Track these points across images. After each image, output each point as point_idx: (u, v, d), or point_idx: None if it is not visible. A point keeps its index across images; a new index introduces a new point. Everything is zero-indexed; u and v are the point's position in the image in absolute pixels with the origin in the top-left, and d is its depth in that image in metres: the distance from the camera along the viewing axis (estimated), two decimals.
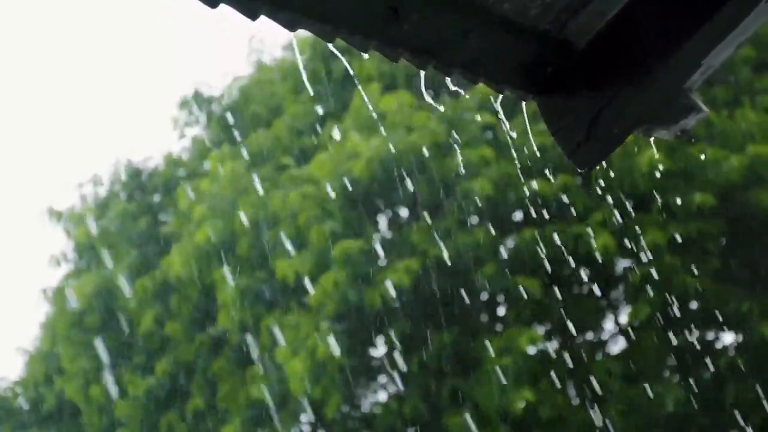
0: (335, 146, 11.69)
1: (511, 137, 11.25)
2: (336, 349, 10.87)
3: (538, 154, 10.69)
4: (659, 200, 10.96)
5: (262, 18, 1.65)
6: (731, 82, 11.76)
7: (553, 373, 10.95)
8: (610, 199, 11.00)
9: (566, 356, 11.23)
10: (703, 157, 11.01)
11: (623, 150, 9.75)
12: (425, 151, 11.01)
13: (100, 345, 13.73)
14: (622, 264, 11.79)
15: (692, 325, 11.55)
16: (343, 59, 12.08)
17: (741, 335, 11.58)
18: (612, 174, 10.82)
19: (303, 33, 1.73)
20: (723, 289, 10.93)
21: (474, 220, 11.45)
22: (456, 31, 1.88)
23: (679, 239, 10.74)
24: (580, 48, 2.14)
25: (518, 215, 11.62)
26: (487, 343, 10.89)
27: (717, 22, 2.05)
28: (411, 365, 11.27)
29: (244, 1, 1.61)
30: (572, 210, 10.91)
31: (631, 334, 11.70)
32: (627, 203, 11.14)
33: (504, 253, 11.45)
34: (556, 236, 10.82)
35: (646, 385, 11.02)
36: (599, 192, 11.09)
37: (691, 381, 11.40)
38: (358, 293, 10.86)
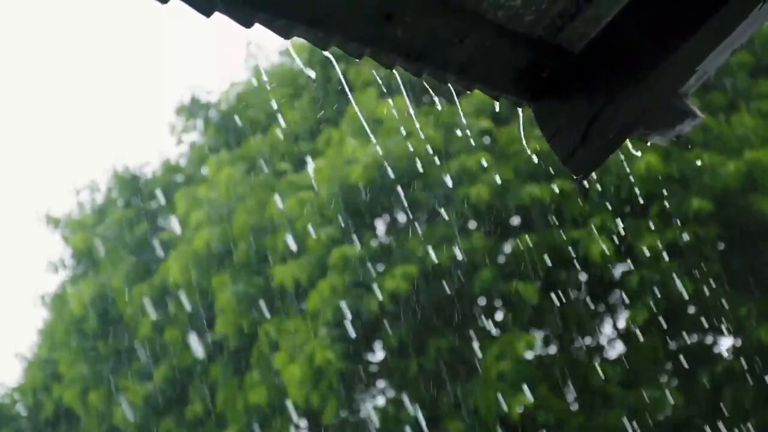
0: (332, 152, 11.69)
1: (507, 143, 11.26)
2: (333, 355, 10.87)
3: (535, 159, 10.71)
4: (657, 205, 10.97)
5: (257, 26, 1.65)
6: (728, 87, 11.77)
7: (551, 378, 10.96)
8: (607, 204, 11.00)
9: (564, 361, 11.24)
10: (700, 162, 11.02)
11: (620, 155, 9.77)
12: (422, 157, 11.02)
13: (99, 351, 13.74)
14: (620, 269, 11.79)
15: (690, 330, 11.56)
16: (337, 67, 12.09)
17: (739, 339, 11.58)
18: (609, 179, 10.83)
19: (300, 39, 1.73)
20: (721, 293, 10.93)
21: (472, 225, 11.45)
22: (450, 37, 1.88)
23: (676, 244, 10.75)
24: (575, 54, 2.14)
25: (516, 220, 11.63)
26: (485, 348, 10.90)
27: (712, 28, 2.05)
28: (409, 370, 11.27)
29: (239, 9, 1.61)
30: (569, 215, 10.92)
31: (629, 338, 11.71)
32: (624, 208, 11.15)
33: (502, 259, 11.46)
34: (553, 241, 10.83)
35: (644, 390, 11.02)
36: (596, 197, 11.10)
37: (689, 385, 11.41)
38: (356, 299, 10.86)
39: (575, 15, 2.07)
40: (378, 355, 12.21)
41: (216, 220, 12.34)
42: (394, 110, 11.48)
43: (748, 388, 10.97)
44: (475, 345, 11.07)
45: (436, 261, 10.77)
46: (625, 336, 11.85)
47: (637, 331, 11.39)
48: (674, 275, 10.75)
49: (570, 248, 10.83)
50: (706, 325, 11.48)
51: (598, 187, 10.94)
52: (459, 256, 10.77)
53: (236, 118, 14.03)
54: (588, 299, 11.91)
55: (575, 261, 11.00)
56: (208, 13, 1.58)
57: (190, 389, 12.99)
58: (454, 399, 11.09)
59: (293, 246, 11.36)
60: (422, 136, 11.21)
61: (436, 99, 10.86)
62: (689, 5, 2.07)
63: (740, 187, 10.98)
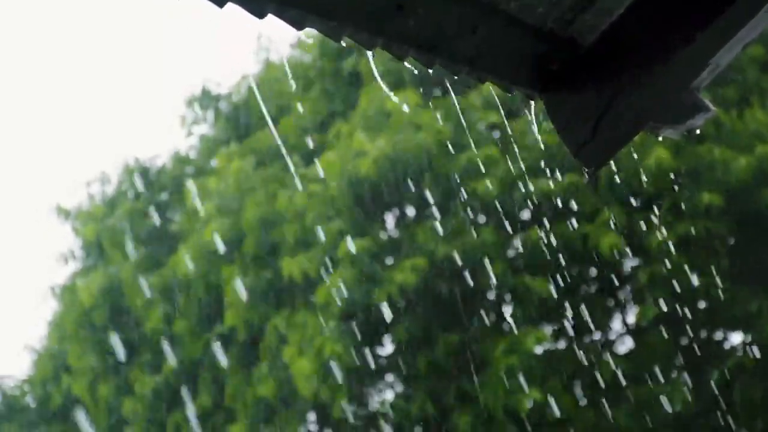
0: (342, 145, 11.69)
1: (517, 137, 11.25)
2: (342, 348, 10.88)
3: (545, 152, 10.70)
4: (667, 200, 10.95)
5: (270, 16, 1.66)
6: (739, 81, 11.73)
7: (560, 373, 10.95)
8: (617, 198, 10.99)
9: (573, 356, 11.22)
10: (711, 156, 10.99)
11: (630, 148, 9.75)
12: (432, 150, 11.02)
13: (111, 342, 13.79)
14: (630, 263, 11.78)
15: (700, 325, 11.54)
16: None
17: (750, 335, 11.56)
18: (619, 173, 10.81)
19: (311, 31, 1.73)
20: (731, 288, 10.91)
21: (481, 219, 11.45)
22: (462, 29, 1.88)
23: (687, 239, 10.73)
24: (587, 46, 2.14)
25: (525, 214, 11.62)
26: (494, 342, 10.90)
27: (724, 21, 2.04)
28: (418, 364, 11.27)
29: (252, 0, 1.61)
30: (580, 209, 10.90)
31: (639, 333, 11.69)
32: (634, 202, 11.12)
33: (511, 253, 11.45)
34: (563, 235, 10.82)
35: (654, 385, 11.01)
36: (606, 191, 11.08)
37: (699, 381, 11.39)
38: (365, 292, 10.86)
39: (586, 7, 2.07)
40: (387, 348, 12.22)
41: (226, 212, 12.36)
42: (404, 103, 11.48)
43: (758, 384, 10.94)
44: (485, 339, 11.07)
45: (445, 254, 10.77)
46: (635, 331, 11.84)
47: (647, 327, 11.37)
48: (685, 270, 10.73)
49: (580, 243, 10.82)
50: (717, 321, 11.46)
51: (609, 180, 10.92)
52: (468, 249, 10.77)
53: (246, 110, 14.05)
54: (598, 294, 11.90)
55: (585, 255, 10.99)
56: (221, 4, 1.59)
57: (198, 382, 13.01)
58: (463, 393, 11.09)
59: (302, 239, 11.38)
60: (433, 129, 11.20)
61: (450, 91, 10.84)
62: None
63: (752, 182, 10.95)
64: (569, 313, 11.21)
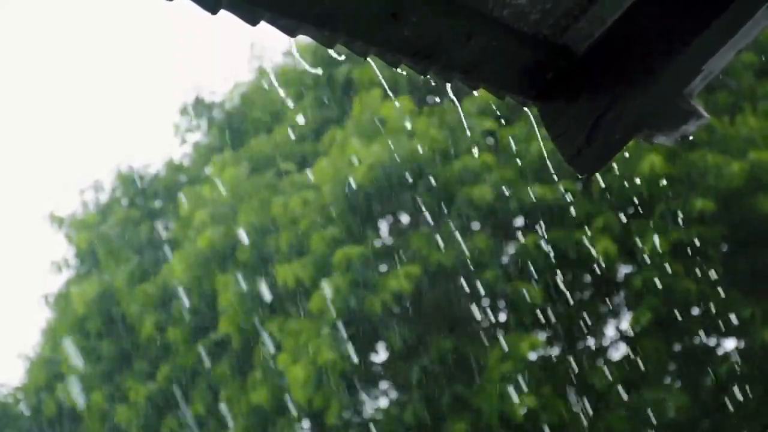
0: (336, 152, 11.69)
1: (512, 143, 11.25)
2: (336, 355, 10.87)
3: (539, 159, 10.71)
4: (660, 206, 10.96)
5: (263, 24, 1.65)
6: (732, 87, 11.76)
7: (554, 379, 10.95)
8: (611, 204, 11.00)
9: (567, 362, 11.22)
10: (704, 162, 11.01)
11: (624, 155, 9.76)
12: (426, 157, 11.03)
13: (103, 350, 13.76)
14: (624, 270, 11.78)
15: (694, 331, 11.55)
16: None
17: (743, 341, 11.57)
18: (613, 179, 10.83)
19: (304, 39, 1.73)
20: (724, 295, 10.92)
21: (475, 225, 11.45)
22: (456, 36, 1.88)
23: (680, 245, 10.74)
24: (580, 53, 2.14)
25: (519, 221, 11.62)
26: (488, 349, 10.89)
27: (717, 28, 2.05)
28: (412, 371, 11.26)
29: (245, 7, 1.61)
30: (573, 215, 10.91)
31: (633, 340, 11.70)
32: (628, 209, 11.14)
33: (505, 259, 11.45)
34: (557, 242, 10.82)
35: (647, 391, 11.01)
36: (600, 197, 11.09)
37: (693, 387, 11.39)
38: (359, 299, 10.86)
39: (580, 15, 2.07)
40: (381, 355, 12.20)
41: (219, 220, 12.34)
42: (397, 110, 11.48)
43: (752, 389, 10.95)
44: (479, 346, 11.06)
45: (439, 262, 10.77)
46: (629, 338, 11.84)
47: (641, 333, 11.37)
48: (678, 276, 10.74)
49: (574, 249, 10.83)
50: (710, 327, 11.47)
51: (602, 187, 10.93)
52: (462, 256, 10.77)
53: (240, 118, 14.05)
54: (592, 300, 11.90)
55: (579, 262, 10.99)
56: (214, 11, 1.58)
57: (192, 389, 12.98)
58: (458, 400, 11.07)
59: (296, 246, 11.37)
60: (426, 137, 11.20)
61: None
62: (694, 5, 2.07)
63: (744, 188, 10.97)
64: (563, 319, 11.22)
